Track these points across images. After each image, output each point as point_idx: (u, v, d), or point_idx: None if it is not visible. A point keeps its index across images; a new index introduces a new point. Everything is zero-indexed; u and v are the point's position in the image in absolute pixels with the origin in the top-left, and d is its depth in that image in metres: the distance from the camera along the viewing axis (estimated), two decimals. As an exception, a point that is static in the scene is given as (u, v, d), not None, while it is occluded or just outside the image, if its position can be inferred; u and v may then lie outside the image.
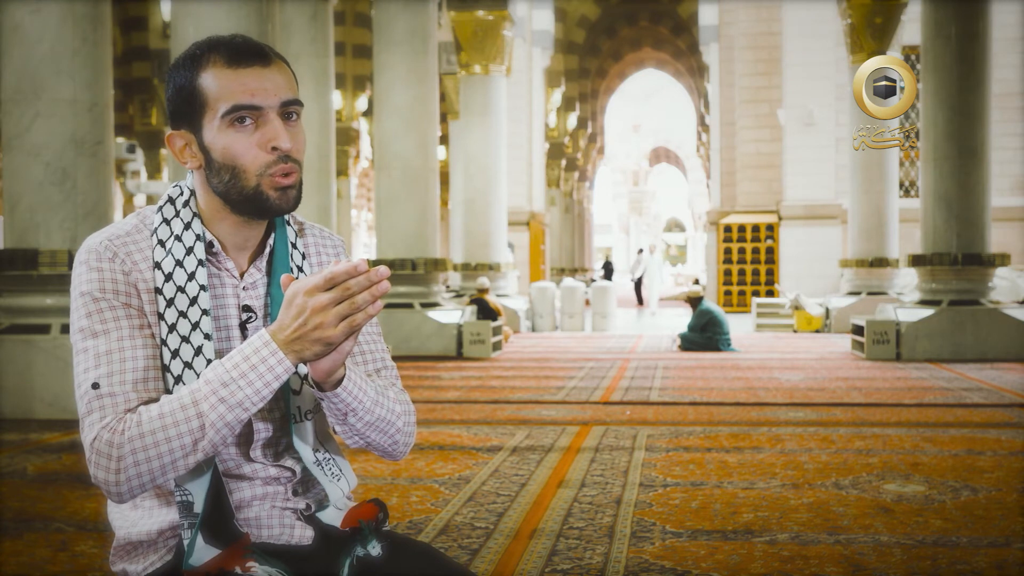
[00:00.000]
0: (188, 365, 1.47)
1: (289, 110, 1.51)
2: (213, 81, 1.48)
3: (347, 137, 21.88)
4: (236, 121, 1.48)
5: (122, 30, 21.46)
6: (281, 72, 1.51)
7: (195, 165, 1.53)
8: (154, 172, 23.46)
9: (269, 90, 1.49)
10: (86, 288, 1.48)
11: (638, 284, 26.75)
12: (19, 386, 6.65)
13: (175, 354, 1.47)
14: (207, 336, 1.49)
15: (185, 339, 1.48)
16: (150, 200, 23.78)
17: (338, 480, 1.59)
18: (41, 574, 3.32)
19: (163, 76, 19.62)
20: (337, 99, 20.51)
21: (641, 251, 28.56)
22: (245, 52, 1.49)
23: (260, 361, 1.38)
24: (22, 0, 6.82)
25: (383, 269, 1.37)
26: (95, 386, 1.43)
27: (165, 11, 18.81)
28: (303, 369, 1.54)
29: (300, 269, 1.60)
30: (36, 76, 6.80)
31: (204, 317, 1.49)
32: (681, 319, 17.57)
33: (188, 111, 1.50)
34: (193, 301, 1.50)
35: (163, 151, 22.35)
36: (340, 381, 1.46)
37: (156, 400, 1.45)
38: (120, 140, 22.23)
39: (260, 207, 1.51)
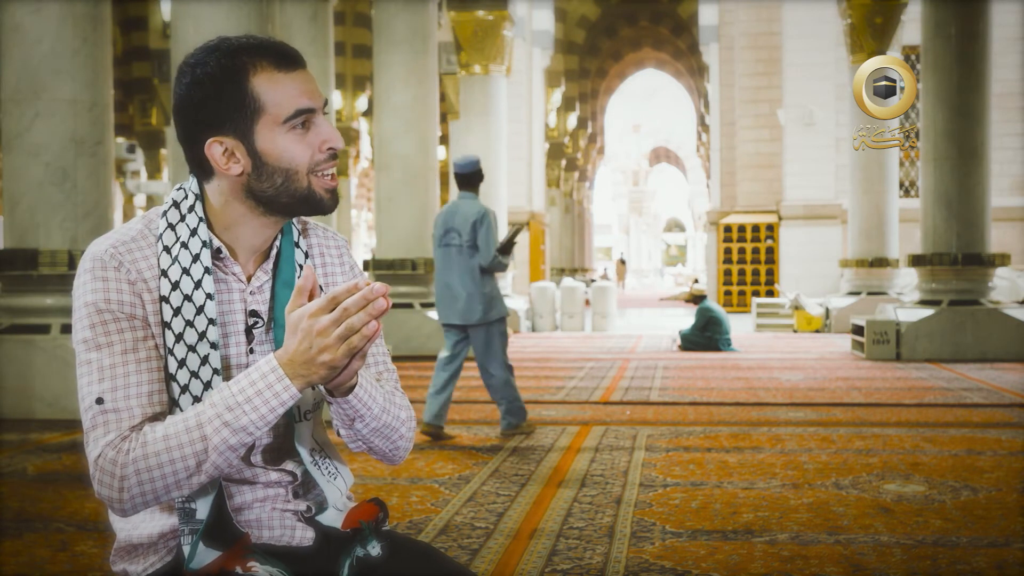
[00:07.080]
0: (194, 375, 1.46)
1: (326, 110, 1.54)
2: (268, 86, 1.47)
3: (347, 137, 21.88)
4: (297, 125, 1.49)
5: (122, 30, 21.43)
6: (311, 73, 1.54)
7: (238, 171, 1.49)
8: (154, 172, 23.44)
9: (315, 92, 1.51)
10: (91, 298, 1.45)
11: None
12: (19, 386, 6.65)
13: (181, 363, 1.46)
14: (213, 345, 1.48)
15: (191, 348, 1.47)
16: (150, 200, 23.79)
17: (335, 479, 1.59)
18: (41, 574, 3.32)
19: (163, 76, 19.60)
20: (337, 99, 20.50)
21: None
22: (288, 56, 1.50)
23: (266, 387, 1.37)
24: (22, 0, 6.82)
25: (379, 286, 1.35)
26: (99, 401, 1.42)
27: (165, 11, 18.78)
28: None
29: (303, 268, 1.60)
30: (36, 76, 6.80)
31: (211, 327, 1.48)
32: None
33: (236, 117, 1.47)
34: (199, 310, 1.48)
35: (163, 151, 22.31)
36: (352, 388, 1.46)
37: (161, 415, 1.44)
38: (120, 140, 22.23)
39: (312, 207, 1.52)
